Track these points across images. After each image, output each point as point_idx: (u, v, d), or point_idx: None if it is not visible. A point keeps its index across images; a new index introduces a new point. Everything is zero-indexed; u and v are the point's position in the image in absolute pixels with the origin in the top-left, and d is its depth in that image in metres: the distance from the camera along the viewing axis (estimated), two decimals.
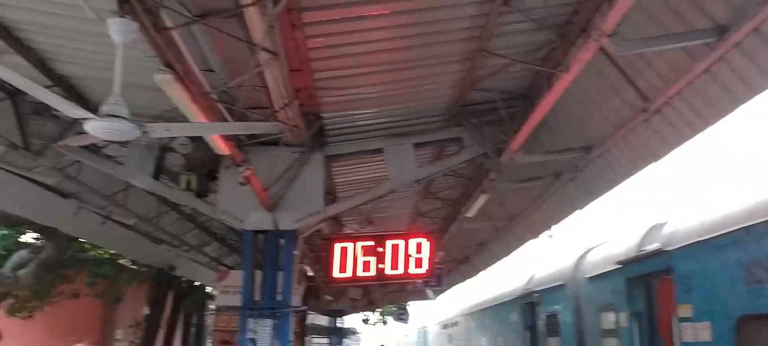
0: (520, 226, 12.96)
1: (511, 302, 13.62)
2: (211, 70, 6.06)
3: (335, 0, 5.63)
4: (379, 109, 8.14)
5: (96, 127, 3.74)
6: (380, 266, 8.05)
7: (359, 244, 8.20)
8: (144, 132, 3.96)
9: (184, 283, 20.48)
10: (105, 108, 3.73)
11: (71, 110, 3.79)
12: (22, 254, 14.81)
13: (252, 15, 4.63)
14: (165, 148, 8.11)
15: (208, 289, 23.34)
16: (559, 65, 6.16)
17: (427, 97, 8.00)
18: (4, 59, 6.68)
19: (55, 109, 7.21)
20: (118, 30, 3.57)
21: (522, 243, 13.81)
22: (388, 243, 8.14)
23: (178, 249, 15.03)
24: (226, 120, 6.14)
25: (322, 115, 7.72)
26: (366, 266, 8.09)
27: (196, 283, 21.43)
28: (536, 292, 11.88)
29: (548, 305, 11.34)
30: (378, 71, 7.12)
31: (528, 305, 12.36)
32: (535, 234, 13.02)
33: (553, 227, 12.62)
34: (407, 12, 6.04)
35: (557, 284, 10.89)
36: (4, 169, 8.64)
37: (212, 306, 24.96)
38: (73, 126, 7.92)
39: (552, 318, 11.09)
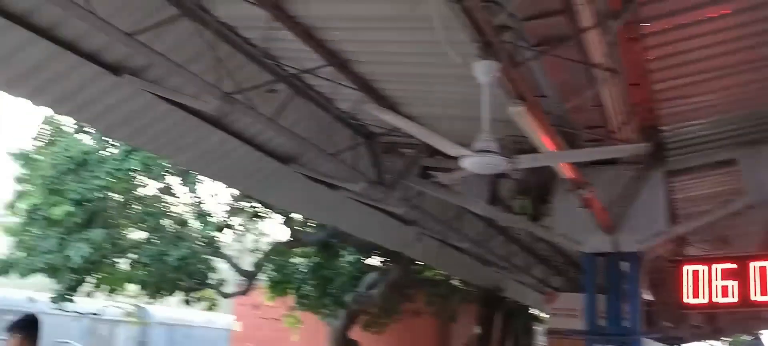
0: None
1: None
2: (544, 96, 6.17)
3: (675, 6, 5.29)
4: (726, 115, 7.33)
5: (472, 163, 4.11)
6: (744, 290, 7.13)
7: (715, 266, 7.40)
8: (512, 164, 4.21)
9: (511, 304, 20.93)
10: (478, 144, 4.08)
11: (450, 148, 4.22)
12: (373, 275, 16.84)
13: (592, 36, 4.60)
14: (498, 174, 8.45)
15: (533, 311, 23.47)
16: None
17: None
18: (361, 107, 7.78)
19: (406, 148, 8.10)
20: (483, 71, 3.87)
21: None
22: (753, 265, 7.18)
23: (505, 271, 15.47)
24: (563, 144, 6.17)
25: (662, 128, 7.26)
26: (724, 291, 7.25)
27: (522, 304, 21.72)
28: None
29: None
30: (722, 75, 6.46)
31: None
32: None
33: None
34: (755, 7, 5.37)
35: None
36: (361, 202, 10.00)
37: (538, 328, 25.04)
38: (417, 161, 8.82)
39: None
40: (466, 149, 4.10)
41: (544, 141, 4.96)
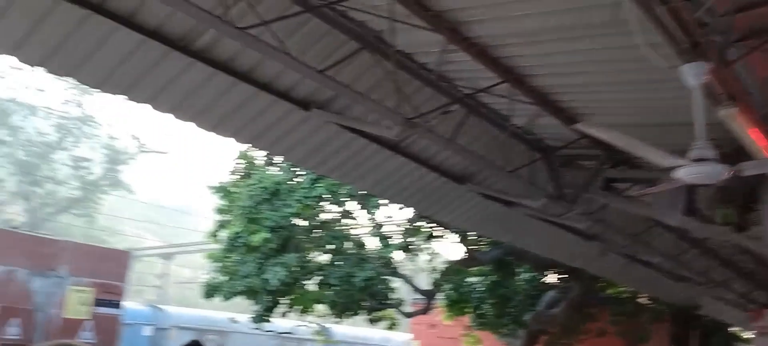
0: None
1: None
2: (749, 94, 5.60)
3: None
4: None
5: (687, 173, 3.83)
6: None
7: None
8: (734, 172, 3.88)
9: (708, 322, 19.13)
10: (694, 153, 3.80)
11: (662, 159, 3.99)
12: (552, 293, 16.27)
13: None
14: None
15: (733, 329, 21.30)
16: None
17: None
18: (539, 121, 7.61)
19: (586, 160, 7.75)
20: (692, 74, 3.61)
21: None
22: None
23: (700, 287, 14.20)
24: None
25: None
26: None
27: (721, 322, 19.76)
28: None
29: None
30: None
31: None
32: None
33: None
34: None
35: None
36: (539, 218, 9.73)
37: None
38: (599, 173, 8.41)
39: None
40: (680, 158, 3.82)
41: (760, 144, 4.48)
